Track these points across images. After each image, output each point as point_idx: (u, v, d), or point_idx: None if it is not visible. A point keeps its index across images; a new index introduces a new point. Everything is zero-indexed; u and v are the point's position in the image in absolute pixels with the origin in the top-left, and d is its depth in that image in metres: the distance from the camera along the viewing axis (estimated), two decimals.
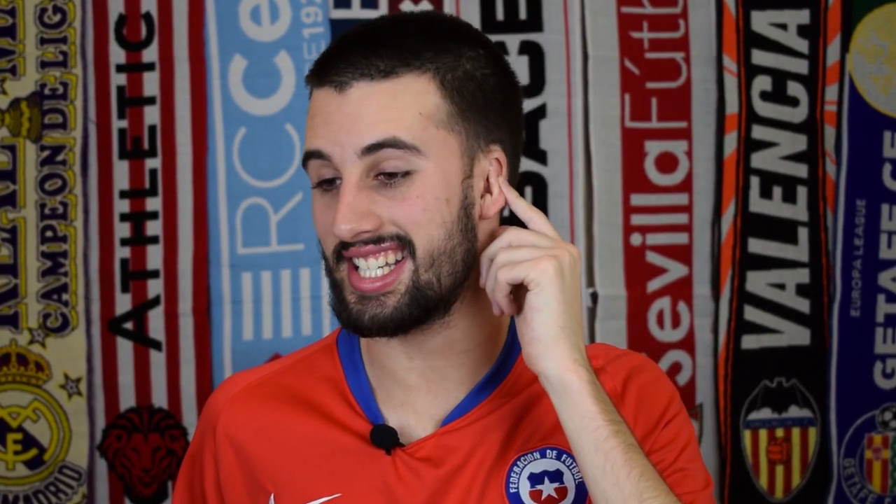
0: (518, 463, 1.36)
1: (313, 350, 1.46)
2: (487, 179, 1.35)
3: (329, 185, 1.32)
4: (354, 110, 1.28)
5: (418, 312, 1.31)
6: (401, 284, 1.30)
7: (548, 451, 1.36)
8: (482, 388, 1.38)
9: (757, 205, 2.85)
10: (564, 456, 1.36)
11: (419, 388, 1.38)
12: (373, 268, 1.30)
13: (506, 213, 1.39)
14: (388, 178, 1.29)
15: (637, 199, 2.83)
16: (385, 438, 1.35)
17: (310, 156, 1.31)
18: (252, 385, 1.43)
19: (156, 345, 2.72)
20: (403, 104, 1.29)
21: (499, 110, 1.34)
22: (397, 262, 1.30)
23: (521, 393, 1.38)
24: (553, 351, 1.28)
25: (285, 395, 1.41)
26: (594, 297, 2.81)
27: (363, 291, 1.30)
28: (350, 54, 1.30)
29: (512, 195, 1.35)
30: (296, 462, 1.37)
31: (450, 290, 1.32)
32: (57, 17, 2.69)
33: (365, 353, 1.41)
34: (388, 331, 1.31)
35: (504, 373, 1.39)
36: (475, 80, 1.32)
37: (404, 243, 1.29)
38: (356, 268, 1.31)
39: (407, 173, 1.29)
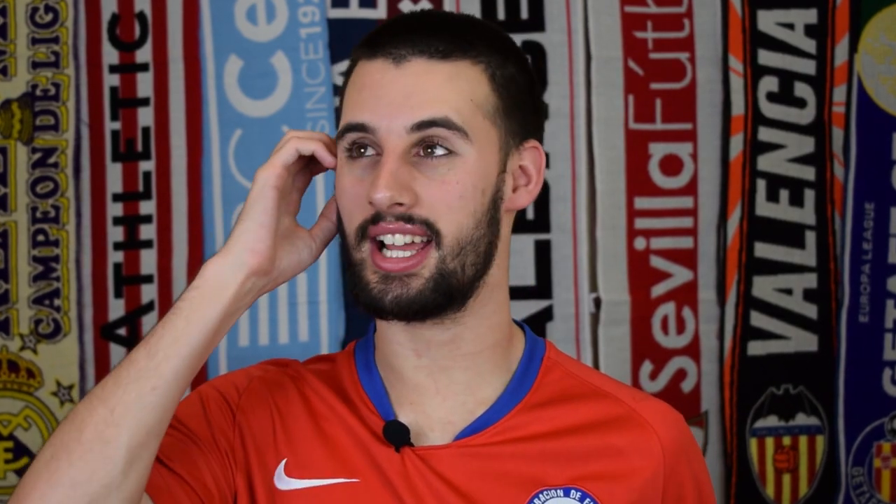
0: (539, 497, 1.36)
1: (332, 359, 1.47)
2: (524, 171, 1.39)
3: (360, 152, 1.34)
4: (409, 85, 1.31)
5: (441, 299, 1.33)
6: (425, 269, 1.32)
7: (572, 490, 1.36)
8: (505, 401, 1.39)
9: (763, 208, 2.83)
10: (588, 500, 1.36)
11: (428, 388, 1.39)
12: (399, 242, 1.32)
13: None
14: (431, 154, 1.32)
15: (641, 203, 2.81)
16: (396, 435, 1.36)
17: (351, 129, 1.33)
18: (284, 369, 1.45)
19: None
20: (458, 88, 1.32)
21: (533, 115, 1.41)
22: (423, 242, 1.32)
23: (545, 410, 1.40)
24: None
25: (311, 389, 1.43)
26: (597, 301, 2.79)
27: (387, 271, 1.31)
28: (408, 32, 1.34)
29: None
30: (319, 440, 1.39)
31: (471, 281, 1.35)
32: (49, 17, 2.68)
33: (378, 356, 1.43)
34: (409, 314, 1.32)
35: (525, 387, 1.41)
36: (517, 82, 1.38)
37: (431, 230, 1.32)
38: (380, 248, 1.32)
39: (450, 153, 1.32)
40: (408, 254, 1.32)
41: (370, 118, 1.32)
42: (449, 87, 1.32)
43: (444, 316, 1.35)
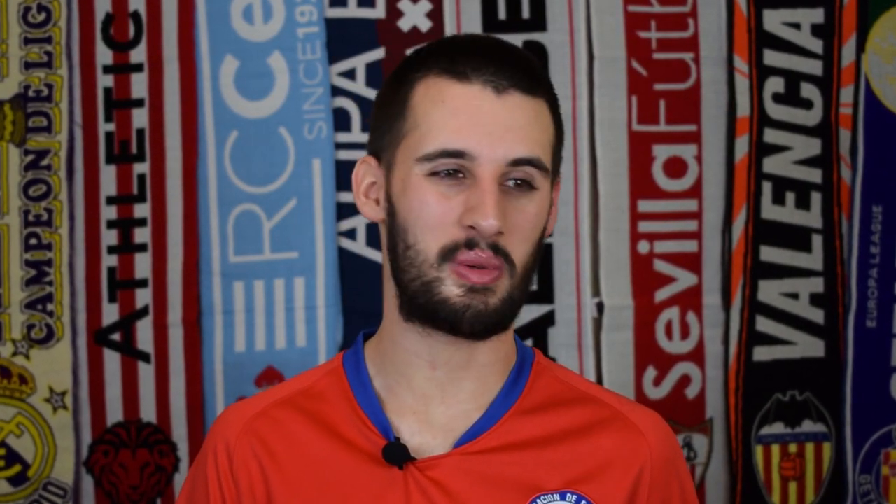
0: (536, 502, 1.41)
1: (318, 376, 1.50)
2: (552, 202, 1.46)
3: (444, 175, 1.37)
4: (510, 118, 1.36)
5: (507, 320, 1.40)
6: (500, 289, 1.37)
7: (568, 494, 1.41)
8: (499, 405, 1.44)
9: (769, 211, 2.81)
10: (583, 502, 1.41)
11: (434, 397, 1.44)
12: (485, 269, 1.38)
13: None
14: (517, 187, 1.37)
15: (644, 206, 2.79)
16: (397, 455, 1.40)
17: (448, 154, 1.36)
18: (267, 408, 1.48)
19: (144, 357, 2.69)
20: (542, 125, 1.40)
21: (561, 150, 1.47)
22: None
23: (536, 414, 1.45)
24: None
25: (302, 416, 1.46)
26: (600, 307, 2.77)
27: (473, 283, 1.35)
28: (500, 61, 1.38)
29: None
30: (310, 482, 1.42)
31: (521, 305, 1.42)
32: (41, 17, 2.66)
33: (374, 366, 1.47)
34: (483, 330, 1.37)
35: (518, 390, 1.46)
36: (560, 121, 1.45)
37: (509, 263, 1.37)
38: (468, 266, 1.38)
39: (531, 189, 1.38)
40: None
41: (470, 145, 1.35)
42: (537, 125, 1.39)
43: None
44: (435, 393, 1.43)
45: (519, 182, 1.37)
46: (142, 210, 2.69)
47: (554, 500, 1.40)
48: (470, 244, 1.35)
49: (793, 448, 2.83)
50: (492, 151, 1.35)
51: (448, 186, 1.36)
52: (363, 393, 1.45)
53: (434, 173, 1.37)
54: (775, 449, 2.82)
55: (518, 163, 1.36)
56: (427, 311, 1.38)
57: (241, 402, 1.51)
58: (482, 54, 1.39)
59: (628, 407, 1.47)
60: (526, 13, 2.76)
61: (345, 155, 2.72)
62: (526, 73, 1.39)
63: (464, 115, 1.36)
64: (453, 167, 1.36)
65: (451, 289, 1.36)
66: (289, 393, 1.48)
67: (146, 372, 2.68)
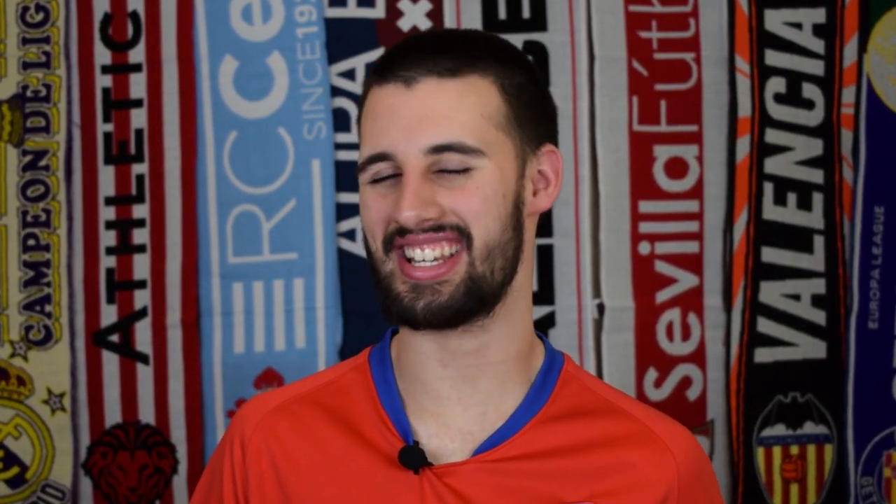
0: None
1: (344, 371, 1.49)
2: (542, 175, 1.43)
3: (384, 179, 1.37)
4: (421, 107, 1.35)
5: (473, 304, 1.36)
6: (456, 275, 1.35)
7: None
8: (522, 413, 1.42)
9: (771, 212, 2.81)
10: None
11: (450, 398, 1.41)
12: (428, 258, 1.35)
13: None
14: (449, 174, 1.35)
15: (645, 206, 2.78)
16: (413, 459, 1.39)
17: (373, 159, 1.36)
18: (288, 402, 1.47)
19: (143, 358, 2.68)
20: (468, 104, 1.36)
21: (547, 120, 1.44)
22: (452, 254, 1.35)
23: (561, 423, 1.42)
24: None
25: (322, 413, 1.45)
26: (601, 308, 2.77)
27: (417, 280, 1.35)
28: (416, 53, 1.37)
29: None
30: (325, 480, 1.41)
31: (500, 286, 1.38)
32: (40, 17, 2.66)
33: (396, 366, 1.46)
34: (441, 321, 1.35)
35: (543, 397, 1.43)
36: (527, 90, 1.41)
37: (463, 234, 1.35)
38: (408, 260, 1.36)
39: (467, 170, 1.35)
40: (438, 262, 1.35)
41: (387, 144, 1.35)
42: (460, 105, 1.35)
43: (473, 322, 1.37)
44: (450, 394, 1.41)
45: (452, 170, 1.36)
46: (140, 211, 2.68)
47: None
48: (402, 231, 1.35)
49: (794, 450, 2.82)
50: (407, 145, 1.34)
51: (387, 187, 1.36)
52: (387, 392, 1.43)
53: (375, 180, 1.37)
54: (777, 451, 2.81)
55: (438, 150, 1.34)
56: (387, 308, 1.37)
57: (264, 394, 1.50)
58: (400, 52, 1.39)
59: (656, 421, 1.44)
60: (526, 13, 2.76)
61: (344, 155, 2.71)
62: (449, 54, 1.36)
63: (381, 118, 1.36)
64: (388, 171, 1.36)
65: (398, 285, 1.36)
66: (312, 387, 1.47)
67: (145, 373, 2.67)
